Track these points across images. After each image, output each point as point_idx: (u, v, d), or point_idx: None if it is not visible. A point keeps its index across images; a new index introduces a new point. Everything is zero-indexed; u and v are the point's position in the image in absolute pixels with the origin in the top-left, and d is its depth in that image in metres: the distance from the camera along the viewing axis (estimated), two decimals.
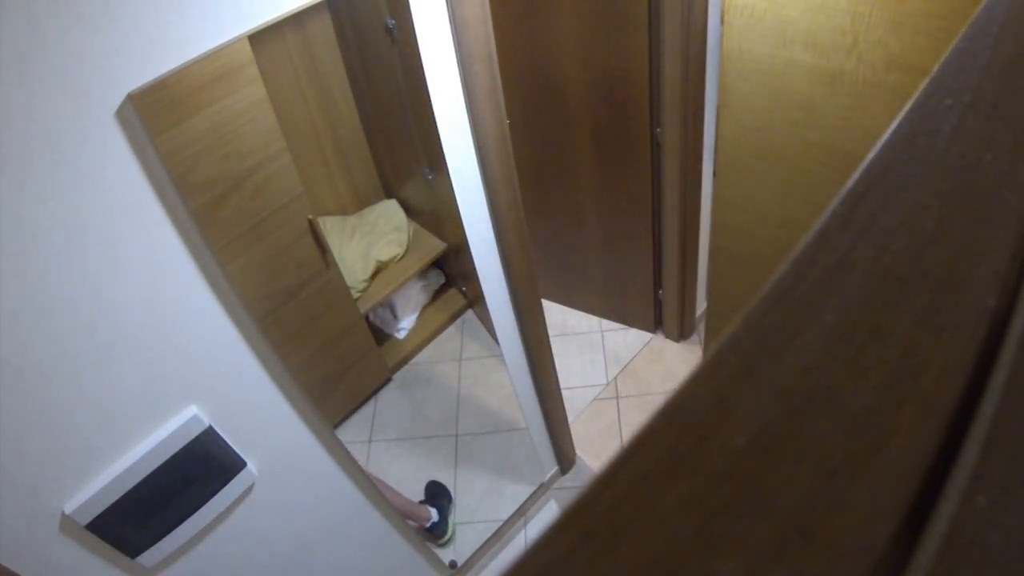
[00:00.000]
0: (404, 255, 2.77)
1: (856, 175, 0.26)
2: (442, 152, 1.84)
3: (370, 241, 2.63)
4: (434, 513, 2.42)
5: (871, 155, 0.27)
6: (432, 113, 1.75)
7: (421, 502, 2.48)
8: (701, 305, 2.89)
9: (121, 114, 1.06)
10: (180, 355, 1.32)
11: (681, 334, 2.89)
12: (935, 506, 0.16)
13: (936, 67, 0.32)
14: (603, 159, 2.47)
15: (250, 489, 1.55)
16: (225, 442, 1.45)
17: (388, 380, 2.86)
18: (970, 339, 0.20)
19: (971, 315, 0.20)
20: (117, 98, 1.05)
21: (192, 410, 1.37)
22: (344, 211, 2.71)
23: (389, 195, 2.89)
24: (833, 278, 0.21)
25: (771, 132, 1.30)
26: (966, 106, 0.30)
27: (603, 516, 0.16)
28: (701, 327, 2.93)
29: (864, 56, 1.17)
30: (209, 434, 1.40)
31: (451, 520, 2.48)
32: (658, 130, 2.24)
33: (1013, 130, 0.28)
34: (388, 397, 2.86)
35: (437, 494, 2.52)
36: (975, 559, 0.15)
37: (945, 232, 0.23)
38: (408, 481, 2.59)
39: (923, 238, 0.23)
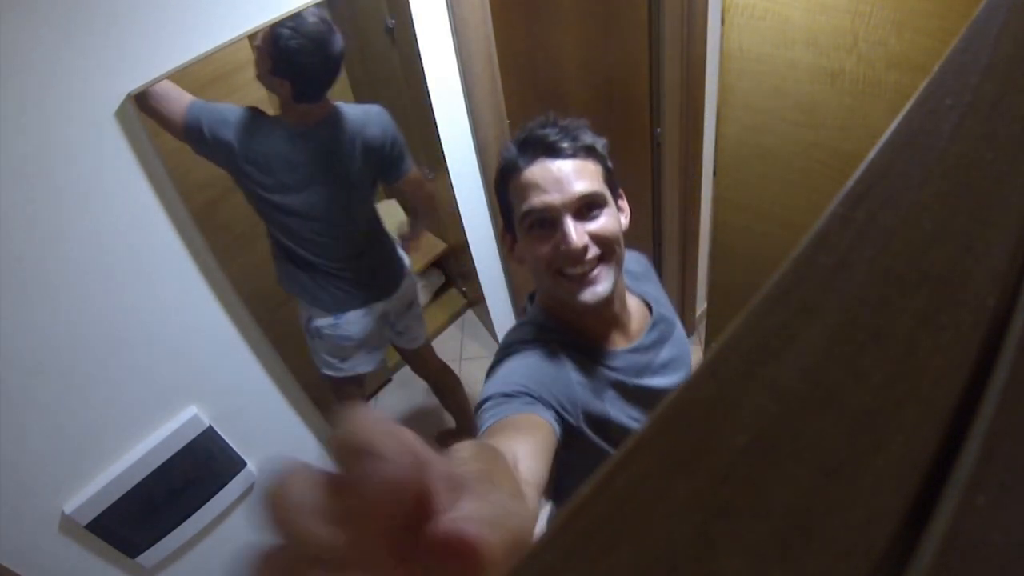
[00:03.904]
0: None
1: (856, 175, 0.26)
2: (442, 152, 1.84)
3: None
4: None
5: (871, 155, 0.27)
6: (432, 113, 1.75)
7: None
8: (701, 305, 2.89)
9: (121, 114, 1.06)
10: (180, 355, 1.32)
11: None
12: (935, 506, 0.16)
13: (936, 67, 0.32)
14: None
15: (250, 489, 1.55)
16: (225, 442, 1.45)
17: (388, 380, 2.86)
18: (970, 339, 0.20)
19: (971, 315, 0.20)
20: (117, 99, 1.05)
21: (192, 410, 1.37)
22: None
23: (389, 195, 2.88)
24: (833, 278, 0.21)
25: (771, 132, 1.30)
26: (966, 106, 0.30)
27: (603, 517, 0.16)
28: (702, 327, 2.93)
29: (865, 55, 1.17)
30: (209, 434, 1.41)
31: None
32: (658, 130, 2.24)
33: (1013, 130, 0.28)
34: (388, 397, 2.85)
35: None
36: (975, 559, 0.15)
37: (945, 232, 0.23)
38: None
39: (923, 238, 0.23)
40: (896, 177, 0.26)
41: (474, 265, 2.09)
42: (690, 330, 2.91)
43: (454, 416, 2.60)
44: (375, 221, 1.96)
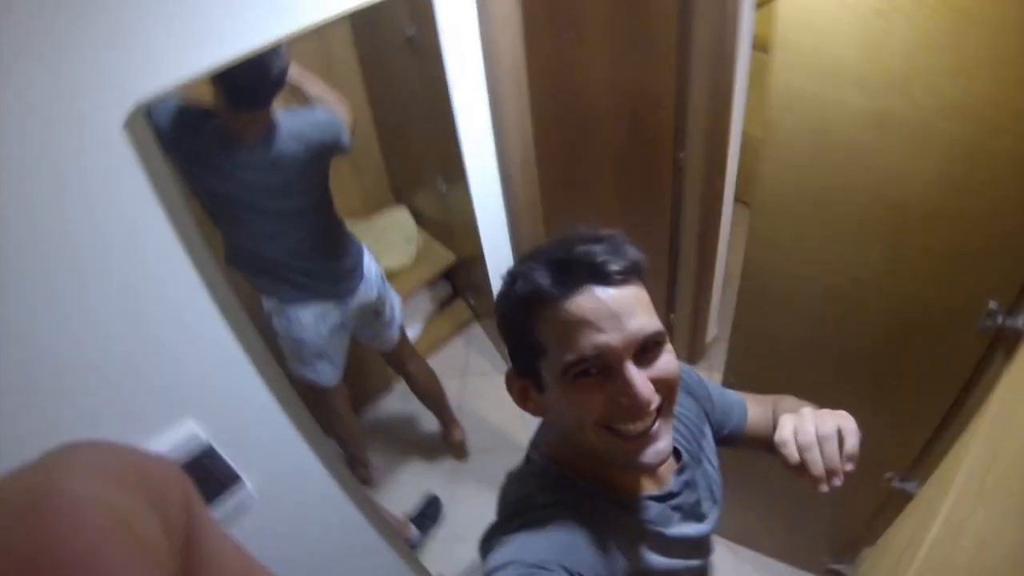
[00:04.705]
0: (412, 265, 2.73)
1: None
2: (461, 167, 1.79)
3: (378, 249, 2.58)
4: (415, 536, 2.38)
5: None
6: (451, 127, 1.70)
7: (412, 517, 2.43)
8: (711, 331, 2.85)
9: (130, 126, 1.02)
10: (179, 369, 1.27)
11: (690, 358, 2.85)
12: None
13: None
14: (625, 179, 2.42)
15: (248, 509, 1.49)
16: (224, 460, 1.40)
17: (390, 389, 2.82)
18: None
19: None
20: (125, 111, 1.01)
21: (191, 427, 1.32)
22: (353, 214, 2.66)
23: (399, 201, 2.85)
24: None
25: (813, 171, 1.25)
26: None
27: None
28: (711, 352, 2.89)
29: (916, 100, 1.12)
30: (207, 452, 1.35)
31: (427, 542, 2.45)
32: (681, 154, 2.20)
33: None
34: (389, 406, 2.81)
35: (426, 513, 2.47)
36: None
37: None
38: (406, 492, 2.54)
39: None
40: None
41: (488, 278, 2.06)
42: (699, 355, 2.87)
43: (435, 413, 2.56)
44: (333, 222, 1.92)
